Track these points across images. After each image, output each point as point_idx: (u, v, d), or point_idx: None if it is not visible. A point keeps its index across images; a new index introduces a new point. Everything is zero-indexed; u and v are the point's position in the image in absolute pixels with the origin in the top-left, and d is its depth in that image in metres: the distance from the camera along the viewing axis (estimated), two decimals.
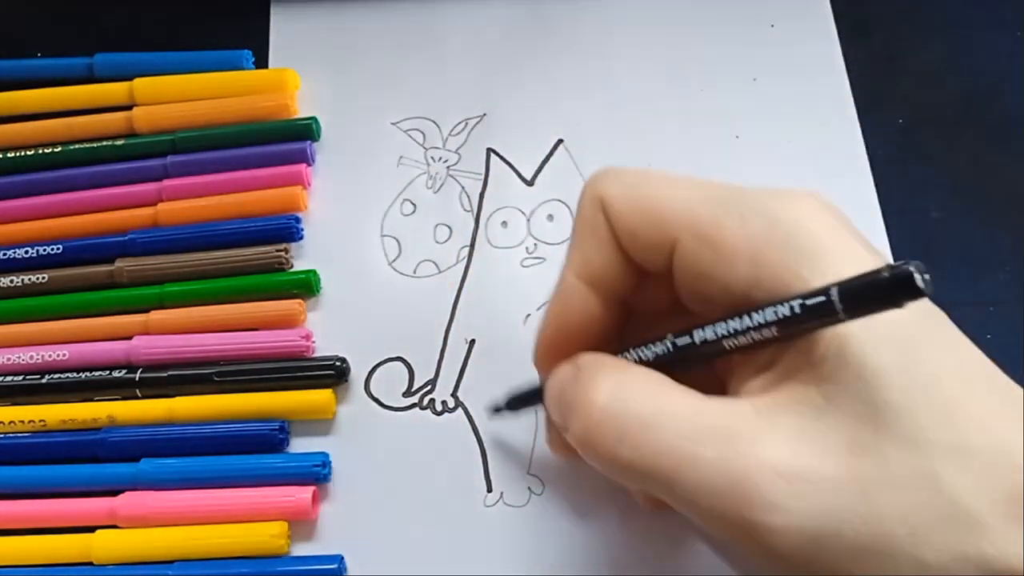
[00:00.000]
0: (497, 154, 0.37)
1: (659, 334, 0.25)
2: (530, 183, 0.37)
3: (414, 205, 0.37)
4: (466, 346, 0.34)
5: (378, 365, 0.34)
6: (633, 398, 0.23)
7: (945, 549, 0.19)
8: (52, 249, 0.36)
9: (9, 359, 0.34)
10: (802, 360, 0.22)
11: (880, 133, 0.36)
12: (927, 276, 0.19)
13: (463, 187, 0.37)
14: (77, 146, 0.38)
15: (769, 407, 0.22)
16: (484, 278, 0.35)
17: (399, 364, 0.34)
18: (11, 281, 0.36)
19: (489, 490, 0.32)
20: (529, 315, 0.34)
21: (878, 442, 0.20)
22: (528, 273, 0.35)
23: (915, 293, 0.19)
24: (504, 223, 0.36)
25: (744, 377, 0.23)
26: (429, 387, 0.34)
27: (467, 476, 0.32)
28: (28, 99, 0.39)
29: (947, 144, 0.37)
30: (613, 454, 0.23)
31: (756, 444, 0.21)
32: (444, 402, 0.33)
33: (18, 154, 0.38)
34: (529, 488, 0.32)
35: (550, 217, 0.36)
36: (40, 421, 0.33)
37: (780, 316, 0.21)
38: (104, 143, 0.38)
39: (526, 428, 0.33)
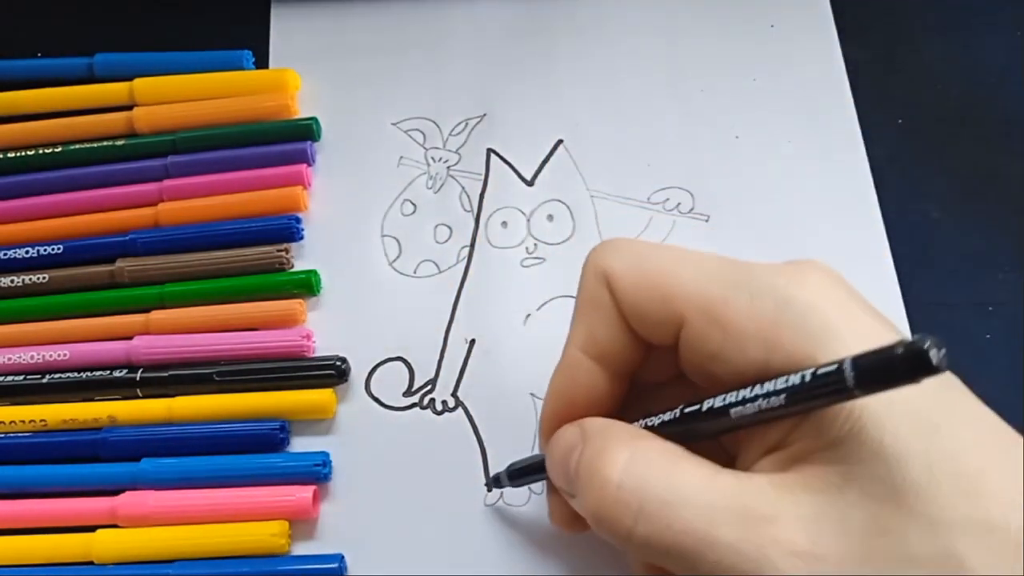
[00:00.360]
0: (497, 154, 0.37)
1: (664, 403, 0.24)
2: (530, 183, 0.37)
3: (414, 205, 0.37)
4: (466, 346, 0.34)
5: (378, 365, 0.34)
6: (650, 473, 0.22)
7: None
8: (52, 249, 0.36)
9: (9, 359, 0.35)
10: (817, 441, 0.21)
11: (880, 133, 0.36)
12: (942, 352, 0.18)
13: (463, 187, 0.37)
14: (77, 146, 0.38)
15: (787, 485, 0.21)
16: (484, 278, 0.35)
17: (399, 364, 0.34)
18: (11, 281, 0.36)
19: (489, 490, 0.32)
20: (529, 315, 0.34)
21: (899, 522, 0.20)
22: (528, 273, 0.35)
23: (930, 370, 0.18)
24: (504, 223, 0.36)
25: (756, 455, 0.23)
26: (429, 387, 0.34)
27: (467, 476, 0.32)
28: (28, 99, 0.39)
29: (947, 144, 0.37)
30: (629, 531, 0.22)
31: (774, 525, 0.21)
32: (444, 402, 0.33)
33: (18, 154, 0.38)
34: (529, 488, 0.32)
35: (550, 217, 0.36)
36: (40, 421, 0.33)
37: (790, 384, 0.21)
38: (104, 143, 0.38)
39: (526, 429, 0.33)
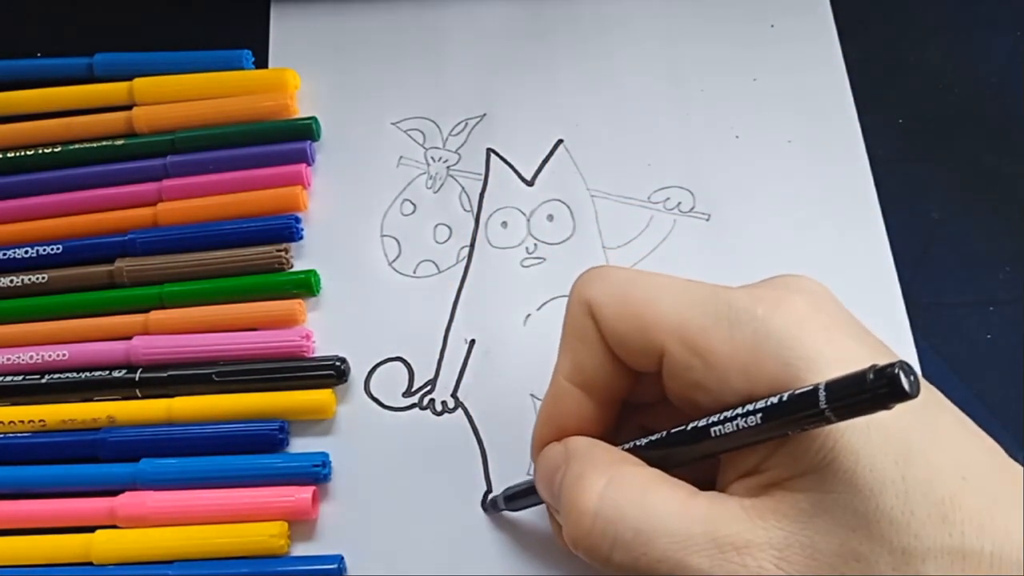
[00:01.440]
0: (497, 154, 0.37)
1: (658, 419, 0.25)
2: (530, 183, 0.37)
3: (414, 205, 0.37)
4: (466, 346, 0.34)
5: (378, 365, 0.34)
6: (625, 501, 0.23)
7: None
8: (52, 249, 0.36)
9: (9, 359, 0.34)
10: (791, 469, 0.21)
11: (880, 133, 0.36)
12: (913, 377, 0.18)
13: (463, 187, 0.37)
14: (77, 146, 0.38)
15: (758, 510, 0.22)
16: (484, 278, 0.35)
17: (399, 364, 0.34)
18: (11, 281, 0.36)
19: (489, 490, 0.32)
20: (529, 315, 0.34)
21: (869, 550, 0.20)
22: (528, 273, 0.35)
23: (901, 395, 0.18)
24: (504, 223, 0.36)
25: (731, 479, 0.23)
26: (429, 387, 0.34)
27: (467, 476, 0.32)
28: (28, 99, 0.39)
29: (947, 144, 0.37)
30: (607, 559, 0.23)
31: (744, 552, 0.21)
32: (444, 402, 0.33)
33: (18, 154, 0.38)
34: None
35: (550, 217, 0.36)
36: (40, 421, 0.33)
37: (767, 404, 0.21)
38: (104, 143, 0.38)
39: (526, 429, 0.33)
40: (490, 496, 0.32)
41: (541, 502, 0.28)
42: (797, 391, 0.20)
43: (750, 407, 0.21)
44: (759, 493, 0.22)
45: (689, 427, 0.23)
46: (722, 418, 0.22)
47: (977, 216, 0.35)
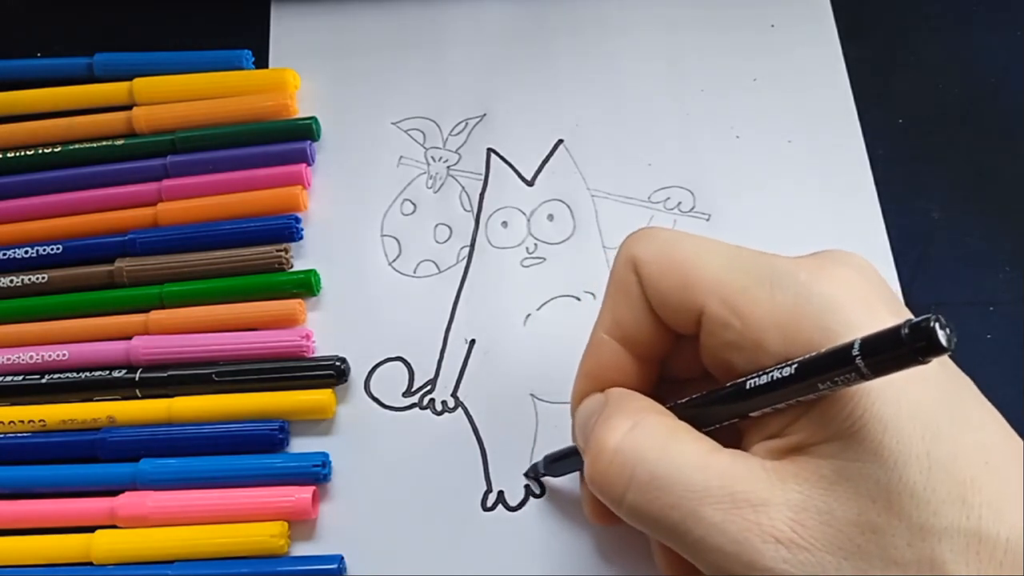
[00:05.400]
0: (497, 154, 0.37)
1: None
2: (530, 183, 0.37)
3: (414, 205, 0.37)
4: (466, 346, 0.34)
5: (378, 365, 0.34)
6: (647, 446, 0.23)
7: None
8: (52, 249, 0.36)
9: (9, 359, 0.34)
10: (817, 434, 0.22)
11: (880, 133, 0.36)
12: (950, 331, 0.18)
13: (463, 187, 0.37)
14: (77, 146, 0.38)
15: (779, 472, 0.22)
16: (484, 278, 0.35)
17: (399, 364, 0.34)
18: (11, 281, 0.36)
19: (489, 489, 0.32)
20: (529, 315, 0.34)
21: (887, 523, 0.20)
22: (528, 273, 0.35)
23: (937, 349, 0.18)
24: (504, 223, 0.36)
25: (756, 440, 0.23)
26: (429, 387, 0.34)
27: (467, 476, 0.32)
28: (28, 99, 0.39)
29: (947, 144, 0.37)
30: (620, 498, 0.23)
31: (760, 511, 0.21)
32: (444, 402, 0.33)
33: (18, 154, 0.38)
34: (527, 489, 0.32)
35: (550, 217, 0.36)
36: (40, 421, 0.33)
37: (802, 359, 0.21)
38: (104, 143, 0.38)
39: (526, 429, 0.33)
40: (532, 462, 0.32)
41: (581, 466, 0.28)
42: (832, 347, 0.21)
43: (784, 363, 0.22)
44: (781, 457, 0.22)
45: (727, 385, 0.23)
46: (757, 374, 0.22)
47: (977, 216, 0.35)
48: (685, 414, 0.24)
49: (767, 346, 0.22)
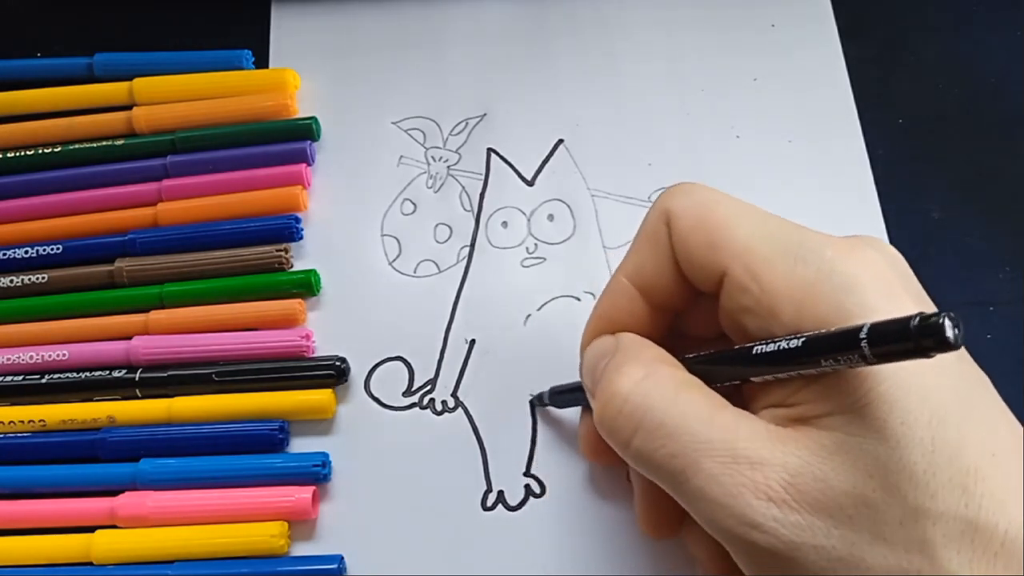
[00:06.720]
0: (497, 154, 0.37)
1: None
2: (530, 183, 0.37)
3: (414, 205, 0.37)
4: (466, 346, 0.34)
5: (378, 365, 0.34)
6: (656, 395, 0.24)
7: None
8: (52, 249, 0.36)
9: (9, 359, 0.34)
10: (822, 407, 0.22)
11: (880, 133, 0.36)
12: (958, 328, 0.18)
13: (463, 187, 0.37)
14: (77, 146, 0.38)
15: (780, 436, 0.22)
16: (484, 278, 0.35)
17: (399, 364, 0.34)
18: (11, 281, 0.36)
19: (489, 489, 0.32)
20: (529, 315, 0.34)
21: (882, 500, 0.20)
22: (528, 273, 0.35)
23: (944, 345, 0.18)
24: (504, 223, 0.36)
25: (765, 405, 0.23)
26: (429, 387, 0.34)
27: (467, 476, 0.32)
28: (28, 99, 0.39)
29: (947, 144, 0.36)
30: (627, 443, 0.24)
31: (757, 469, 0.22)
32: (444, 402, 0.33)
33: (18, 154, 0.38)
34: (528, 488, 0.32)
35: (550, 217, 0.36)
36: (40, 421, 0.33)
37: (810, 335, 0.21)
38: (104, 143, 0.38)
39: (526, 429, 0.33)
40: (538, 392, 0.32)
41: (584, 401, 0.29)
42: (841, 328, 0.21)
43: (794, 336, 0.22)
44: (785, 424, 0.22)
45: (735, 348, 0.24)
46: (765, 341, 0.23)
47: (977, 216, 0.35)
48: (694, 369, 0.25)
49: (780, 316, 0.23)
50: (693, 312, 0.27)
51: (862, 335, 0.20)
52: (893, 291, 0.22)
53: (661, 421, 0.23)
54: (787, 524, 0.21)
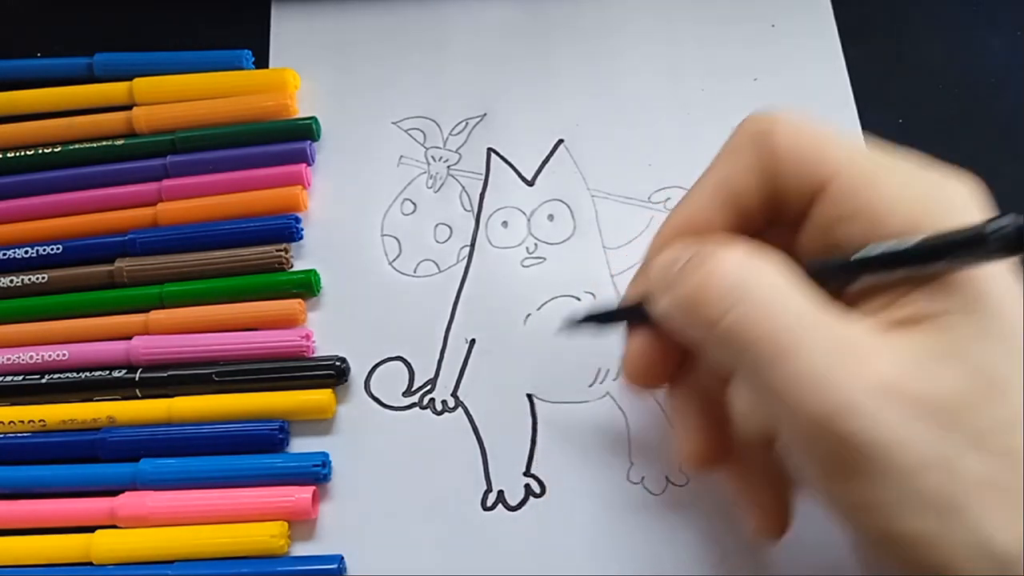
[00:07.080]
0: (497, 154, 0.37)
1: None
2: (530, 183, 0.37)
3: (414, 205, 0.37)
4: (466, 346, 0.34)
5: (378, 365, 0.34)
6: (764, 270, 0.23)
7: (1006, 528, 0.20)
8: (52, 249, 0.36)
9: (9, 359, 0.34)
10: (934, 305, 0.21)
11: (880, 133, 0.36)
12: None
13: (463, 187, 0.37)
14: (77, 146, 0.38)
15: (888, 337, 0.22)
16: (484, 278, 0.35)
17: (399, 364, 0.34)
18: (11, 281, 0.36)
19: (489, 489, 0.32)
20: (529, 315, 0.34)
21: (987, 407, 0.20)
22: (528, 273, 0.35)
23: None
24: (504, 223, 0.36)
25: (870, 309, 0.23)
26: (429, 387, 0.34)
27: (467, 475, 0.32)
28: (28, 99, 0.39)
29: (947, 144, 0.36)
30: (716, 321, 0.22)
31: (865, 362, 0.21)
32: (444, 402, 0.33)
33: (18, 154, 0.38)
34: (528, 488, 0.32)
35: (550, 217, 0.36)
36: (40, 421, 0.33)
37: (934, 233, 0.21)
38: (103, 143, 0.38)
39: (526, 429, 0.33)
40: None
41: (634, 320, 0.27)
42: (968, 224, 0.21)
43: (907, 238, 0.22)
44: (891, 328, 0.22)
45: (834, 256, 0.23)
46: (876, 244, 0.22)
47: None
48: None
49: (890, 222, 0.22)
50: (765, 237, 0.26)
51: (990, 229, 0.20)
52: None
53: (769, 297, 0.22)
54: (886, 418, 0.20)
